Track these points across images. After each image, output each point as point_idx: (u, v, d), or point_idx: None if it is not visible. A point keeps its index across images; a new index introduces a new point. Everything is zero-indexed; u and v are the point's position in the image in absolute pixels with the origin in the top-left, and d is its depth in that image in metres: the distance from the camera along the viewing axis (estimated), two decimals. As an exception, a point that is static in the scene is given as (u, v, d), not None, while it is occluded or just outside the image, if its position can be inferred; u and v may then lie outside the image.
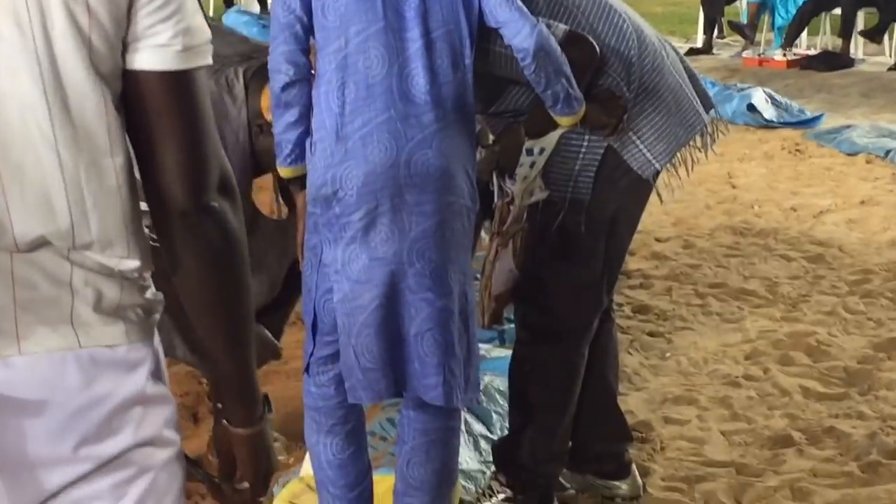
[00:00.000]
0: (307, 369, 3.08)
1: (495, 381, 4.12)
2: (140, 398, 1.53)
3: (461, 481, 3.56)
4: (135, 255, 1.54)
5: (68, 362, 1.47)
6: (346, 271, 2.84)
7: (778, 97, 9.29)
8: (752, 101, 9.04)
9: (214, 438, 1.76)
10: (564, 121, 3.02)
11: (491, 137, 3.26)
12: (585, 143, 3.18)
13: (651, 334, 5.12)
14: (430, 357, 2.85)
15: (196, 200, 1.54)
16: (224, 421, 1.71)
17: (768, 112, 9.00)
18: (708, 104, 3.37)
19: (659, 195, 3.45)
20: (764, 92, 9.25)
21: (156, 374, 1.57)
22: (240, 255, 1.59)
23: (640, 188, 3.32)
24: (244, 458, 1.71)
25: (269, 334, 3.66)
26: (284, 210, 3.57)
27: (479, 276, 3.99)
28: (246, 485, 1.73)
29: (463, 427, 3.80)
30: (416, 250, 2.81)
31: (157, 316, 1.59)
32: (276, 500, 3.47)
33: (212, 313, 1.61)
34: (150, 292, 1.58)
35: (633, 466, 3.69)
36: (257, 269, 3.48)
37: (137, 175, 1.55)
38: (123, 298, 1.53)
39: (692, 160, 3.38)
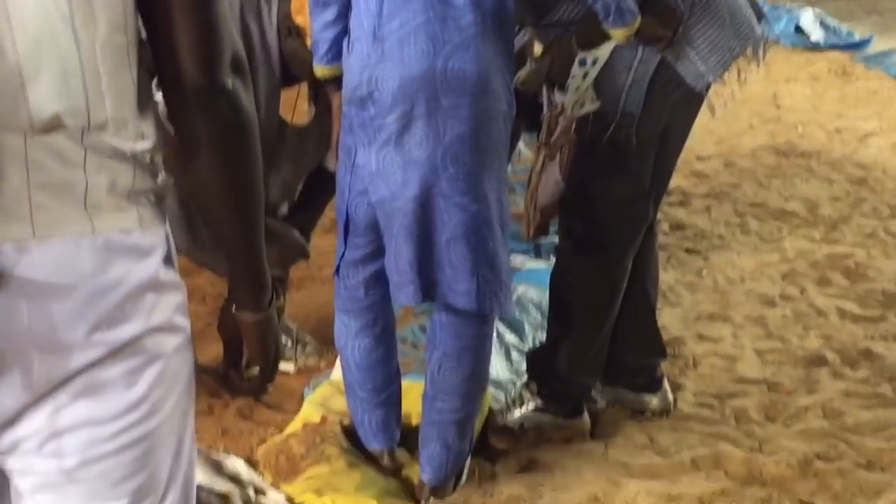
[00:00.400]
0: (337, 271, 3.07)
1: (529, 292, 4.11)
2: (152, 284, 1.51)
3: (491, 389, 3.56)
4: (148, 138, 1.52)
5: (83, 247, 1.45)
6: (379, 174, 2.80)
7: (827, 19, 9.12)
8: (800, 23, 8.90)
9: (222, 326, 1.74)
10: (617, 33, 2.96)
11: (541, 48, 3.20)
12: (639, 56, 3.12)
13: (688, 251, 5.08)
14: (463, 263, 2.82)
15: (210, 78, 1.51)
16: (233, 307, 1.69)
17: (816, 34, 8.86)
18: (759, 14, 3.29)
19: (711, 108, 3.38)
20: (813, 13, 9.09)
21: (168, 260, 1.55)
22: (252, 136, 1.56)
23: (692, 102, 3.28)
24: (253, 344, 1.71)
25: (298, 234, 3.64)
26: (308, 113, 3.53)
27: (518, 187, 3.96)
28: (255, 371, 1.73)
29: (494, 336, 3.80)
30: (450, 155, 2.76)
31: (168, 202, 1.57)
32: (307, 403, 3.47)
33: (225, 195, 1.59)
34: (162, 177, 1.55)
35: (665, 381, 3.67)
36: (270, 170, 3.45)
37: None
38: (136, 183, 1.50)
39: (741, 77, 3.31)
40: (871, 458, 3.35)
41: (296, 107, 3.67)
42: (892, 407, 3.66)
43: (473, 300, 2.85)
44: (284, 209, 3.71)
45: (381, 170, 2.80)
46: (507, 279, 2.90)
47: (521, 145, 5.54)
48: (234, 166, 1.56)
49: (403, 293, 2.89)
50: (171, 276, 1.54)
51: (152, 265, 1.51)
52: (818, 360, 4.01)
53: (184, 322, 1.57)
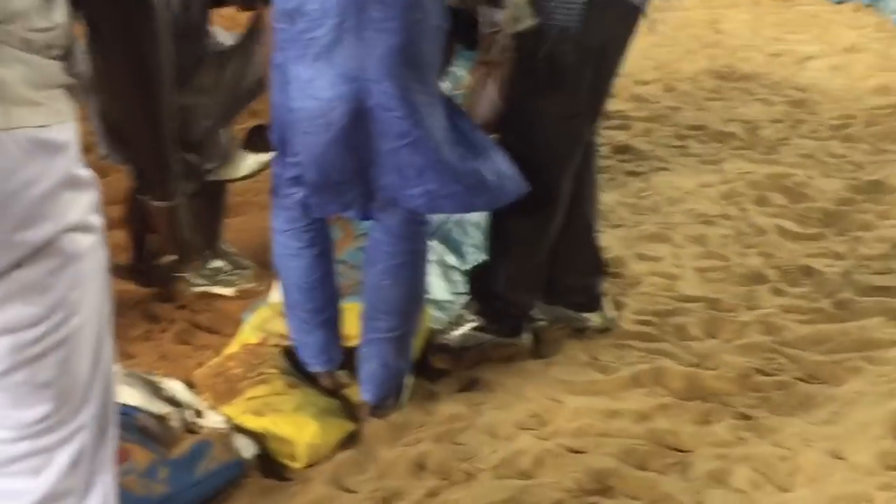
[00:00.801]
0: (275, 191, 3.01)
1: (469, 214, 4.06)
2: (68, 181, 1.47)
3: (431, 310, 3.53)
4: (58, 27, 1.47)
5: (3, 143, 1.39)
6: (310, 88, 2.75)
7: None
8: (741, -53, 8.83)
9: (130, 217, 1.72)
10: None
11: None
12: None
13: (630, 174, 5.07)
14: (410, 170, 2.79)
15: None
16: (145, 197, 1.66)
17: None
18: None
19: (650, 26, 3.34)
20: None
21: (79, 158, 1.51)
22: (155, 23, 1.55)
23: (629, 17, 3.24)
24: (163, 231, 1.68)
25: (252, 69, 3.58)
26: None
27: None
28: (167, 259, 1.71)
29: (434, 257, 3.78)
30: (383, 68, 2.71)
31: (78, 98, 1.52)
32: (246, 326, 3.43)
33: (130, 79, 1.59)
34: (73, 72, 1.50)
35: (606, 300, 3.66)
36: (206, 92, 3.39)
37: None
38: (49, 76, 1.46)
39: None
40: (811, 372, 3.36)
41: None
42: (831, 322, 3.67)
43: (425, 204, 2.83)
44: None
45: (310, 84, 2.74)
46: (495, 156, 2.92)
47: (459, 70, 5.50)
48: (138, 49, 1.54)
49: (337, 203, 2.87)
50: (84, 173, 1.50)
51: (67, 162, 1.47)
52: (758, 278, 4.01)
53: (97, 221, 1.53)
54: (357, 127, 2.76)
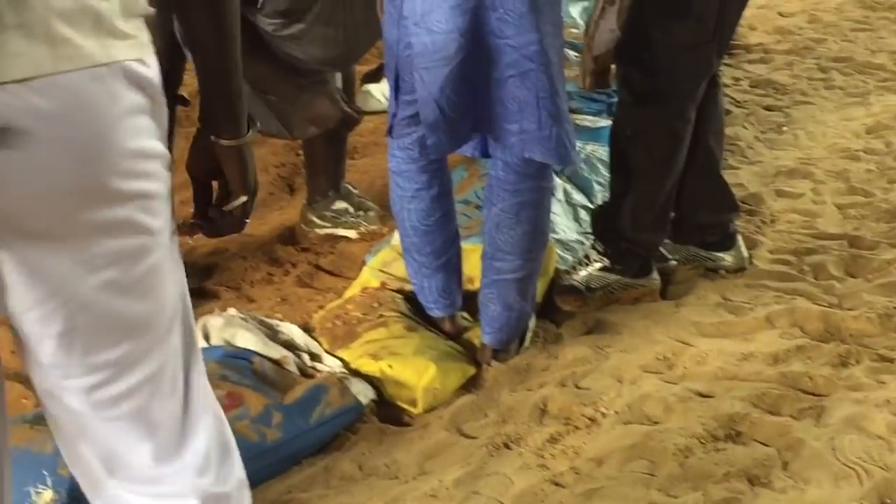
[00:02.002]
0: (390, 131, 2.93)
1: (598, 151, 3.96)
2: (151, 110, 1.44)
3: (558, 251, 3.44)
4: None
5: (100, 78, 1.36)
6: (426, 22, 2.64)
7: None
8: None
9: (194, 162, 1.64)
10: None
11: None
12: None
13: (768, 108, 4.86)
14: (511, 103, 2.67)
15: None
16: (210, 137, 1.62)
17: None
18: None
19: None
20: None
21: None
22: None
23: None
24: (233, 173, 1.63)
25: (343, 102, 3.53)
26: None
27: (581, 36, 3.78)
28: (236, 203, 1.63)
29: (562, 196, 3.67)
30: None
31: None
32: (366, 268, 3.37)
33: (202, 13, 1.53)
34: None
35: (739, 238, 3.51)
36: (350, 30, 3.31)
37: None
38: (136, 6, 1.42)
39: None
40: (957, 311, 3.16)
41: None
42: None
43: (518, 142, 2.71)
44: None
45: (425, 18, 2.63)
46: (562, 129, 2.72)
47: (574, 13, 5.37)
48: None
49: (453, 139, 2.75)
50: (163, 99, 1.46)
51: (154, 93, 1.44)
52: (903, 214, 3.81)
53: (166, 150, 1.48)
54: (474, 58, 2.66)
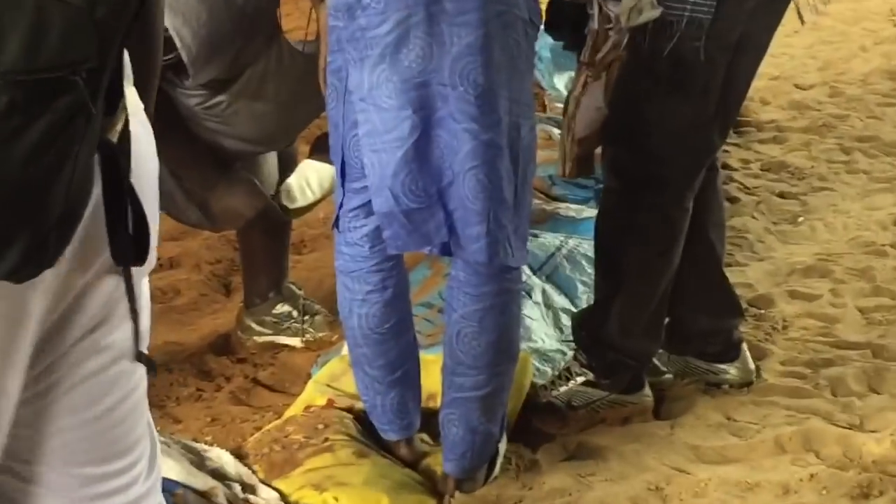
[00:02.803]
0: (336, 223, 2.95)
1: (582, 246, 4.00)
2: None
3: (535, 362, 3.46)
4: None
5: None
6: (373, 97, 2.67)
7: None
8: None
9: None
10: None
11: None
12: None
13: (782, 195, 4.92)
14: (473, 202, 2.69)
15: None
16: None
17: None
18: None
19: (800, 15, 3.26)
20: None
21: None
22: None
23: (774, 6, 3.16)
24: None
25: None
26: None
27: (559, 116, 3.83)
28: None
29: (540, 298, 3.71)
30: (458, 70, 2.63)
31: None
32: (312, 383, 3.38)
33: None
34: None
35: (745, 347, 3.54)
36: (284, 105, 3.36)
37: None
38: None
39: None
40: None
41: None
42: None
43: (483, 248, 2.72)
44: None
45: (372, 93, 2.66)
46: (524, 224, 2.76)
47: (559, 84, 5.44)
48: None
49: (417, 236, 2.77)
50: None
51: None
52: (935, 320, 3.84)
53: None
54: (432, 141, 2.68)
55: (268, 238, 3.76)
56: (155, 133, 1.65)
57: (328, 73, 2.83)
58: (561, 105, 5.12)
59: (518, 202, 2.75)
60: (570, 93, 3.27)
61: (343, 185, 2.89)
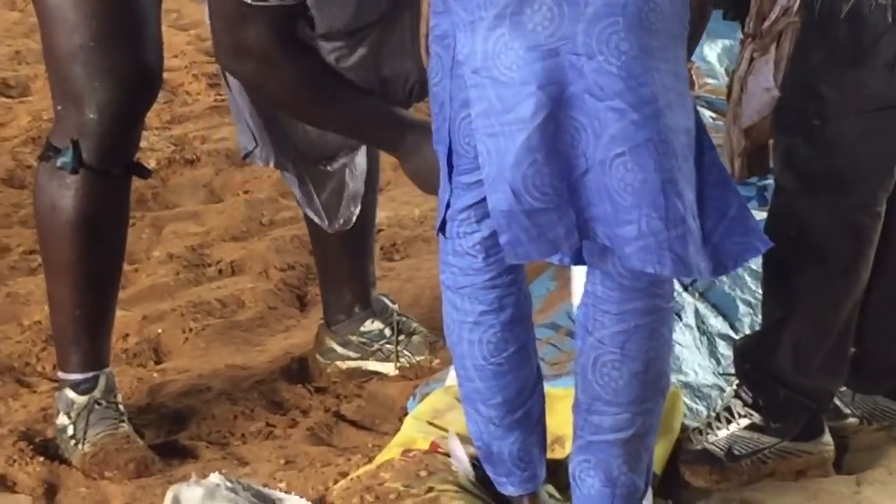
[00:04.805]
0: (442, 228, 2.96)
1: (745, 256, 3.97)
2: None
3: (686, 400, 3.48)
4: None
5: None
6: (489, 69, 2.68)
7: None
8: None
9: None
10: None
11: None
12: None
13: None
14: (623, 194, 2.69)
15: None
16: None
17: None
18: None
19: None
20: None
21: None
22: None
23: None
24: None
25: None
26: None
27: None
28: None
29: (692, 321, 3.72)
30: (596, 34, 2.63)
31: None
32: (410, 419, 3.42)
33: None
34: None
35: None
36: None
37: None
38: None
39: None
40: None
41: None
42: None
43: (638, 251, 2.71)
44: None
45: (489, 63, 2.68)
46: (696, 229, 2.75)
47: (710, 55, 5.44)
48: None
49: (542, 243, 2.77)
50: None
51: None
52: None
53: None
54: (562, 123, 2.69)
55: (348, 237, 3.79)
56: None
57: (431, 40, 2.85)
58: (712, 81, 5.17)
59: (686, 197, 2.74)
60: (733, 72, 3.28)
61: (450, 180, 2.90)
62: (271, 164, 3.60)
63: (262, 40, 3.23)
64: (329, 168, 3.66)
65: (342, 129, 3.47)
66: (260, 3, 3.16)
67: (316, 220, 3.68)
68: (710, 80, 5.18)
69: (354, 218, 3.74)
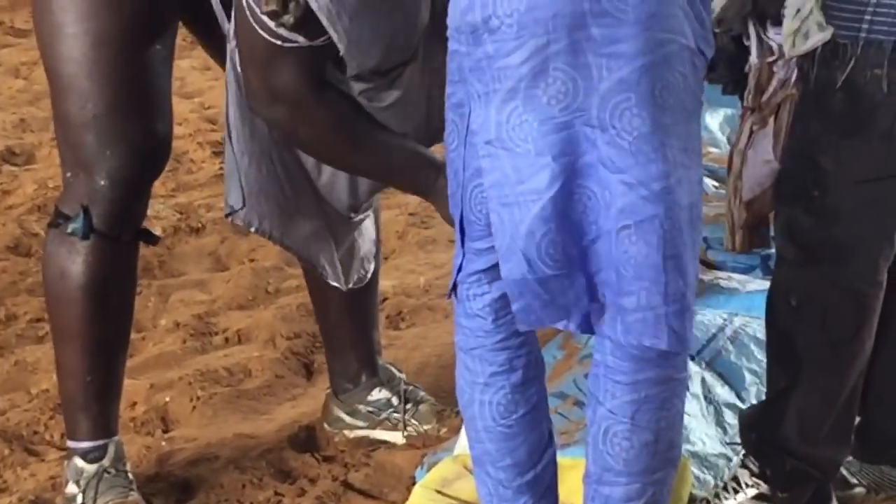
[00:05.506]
0: (454, 290, 2.98)
1: (750, 326, 3.99)
2: None
3: (694, 469, 3.48)
4: None
5: None
6: (502, 140, 2.71)
7: None
8: None
9: None
10: None
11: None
12: None
13: None
14: (626, 266, 2.72)
15: None
16: None
17: None
18: None
19: None
20: None
21: None
22: None
23: None
24: None
25: None
26: None
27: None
28: None
29: (699, 390, 3.73)
30: (610, 108, 2.66)
31: None
32: (419, 489, 3.41)
33: None
34: None
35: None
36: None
37: None
38: None
39: None
40: None
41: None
42: None
43: (645, 322, 2.74)
44: None
45: (502, 135, 2.71)
46: (692, 300, 2.79)
47: (712, 124, 5.47)
48: None
49: (553, 309, 2.79)
50: None
51: None
52: None
53: None
54: (575, 192, 2.72)
55: (350, 301, 3.82)
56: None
57: (447, 107, 2.87)
58: (714, 150, 5.19)
59: (683, 271, 2.78)
60: (733, 146, 3.29)
61: (462, 245, 2.93)
62: (252, 228, 3.56)
63: (293, 83, 3.24)
64: (355, 218, 3.68)
65: (374, 171, 3.49)
66: (290, 45, 3.19)
67: (331, 278, 3.67)
68: (712, 149, 5.21)
69: (369, 276, 3.76)
